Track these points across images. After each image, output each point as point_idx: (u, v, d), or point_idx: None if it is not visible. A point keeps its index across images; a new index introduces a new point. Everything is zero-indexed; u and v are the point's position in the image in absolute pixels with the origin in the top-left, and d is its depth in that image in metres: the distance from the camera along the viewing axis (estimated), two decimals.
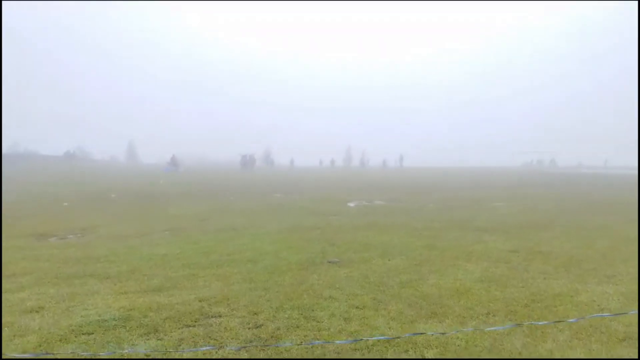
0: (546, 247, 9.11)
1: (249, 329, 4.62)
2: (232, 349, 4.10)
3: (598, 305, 5.37)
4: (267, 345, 4.17)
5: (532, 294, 5.79)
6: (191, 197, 22.78)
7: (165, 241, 10.05)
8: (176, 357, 3.94)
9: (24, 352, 4.02)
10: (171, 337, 4.40)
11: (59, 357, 3.95)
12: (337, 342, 4.21)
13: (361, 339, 4.25)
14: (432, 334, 4.35)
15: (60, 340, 4.31)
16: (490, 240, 9.87)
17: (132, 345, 4.20)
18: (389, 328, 4.63)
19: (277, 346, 4.15)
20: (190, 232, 11.31)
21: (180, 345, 4.19)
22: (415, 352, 4.01)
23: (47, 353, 4.03)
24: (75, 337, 4.40)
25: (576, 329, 4.54)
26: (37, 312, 5.20)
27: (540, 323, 4.64)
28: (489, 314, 5.06)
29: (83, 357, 3.68)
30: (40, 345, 4.20)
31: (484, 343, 4.19)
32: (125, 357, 3.94)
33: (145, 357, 3.92)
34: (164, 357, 3.94)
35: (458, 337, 4.31)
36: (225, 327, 4.65)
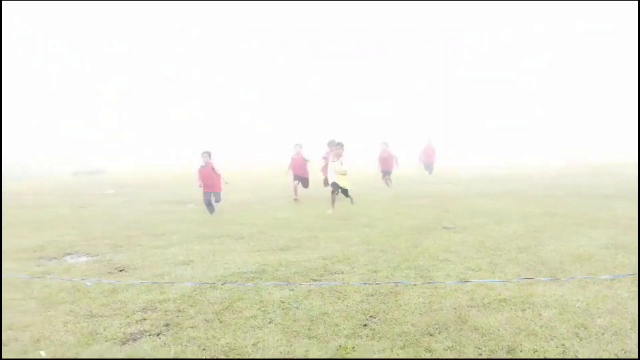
0: None
1: (369, 284, 5.03)
2: (354, 300, 4.53)
3: None
4: (387, 299, 4.54)
5: None
6: None
7: (285, 207, 10.86)
8: (306, 304, 4.46)
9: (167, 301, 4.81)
10: (301, 288, 4.96)
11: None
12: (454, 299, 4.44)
13: (476, 297, 4.44)
14: (551, 296, 4.40)
15: (210, 287, 5.07)
16: (618, 208, 9.25)
17: (269, 293, 4.82)
18: (506, 289, 4.74)
19: (396, 301, 4.50)
20: (306, 199, 12.03)
21: (309, 296, 4.72)
22: (532, 311, 4.12)
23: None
24: (222, 285, 5.14)
25: None
26: (187, 264, 6.11)
27: None
28: (614, 280, 4.93)
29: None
30: (194, 291, 4.98)
31: (606, 306, 4.16)
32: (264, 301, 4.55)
33: (280, 303, 4.51)
34: (297, 304, 4.48)
35: (578, 299, 4.32)
36: (347, 282, 5.11)
